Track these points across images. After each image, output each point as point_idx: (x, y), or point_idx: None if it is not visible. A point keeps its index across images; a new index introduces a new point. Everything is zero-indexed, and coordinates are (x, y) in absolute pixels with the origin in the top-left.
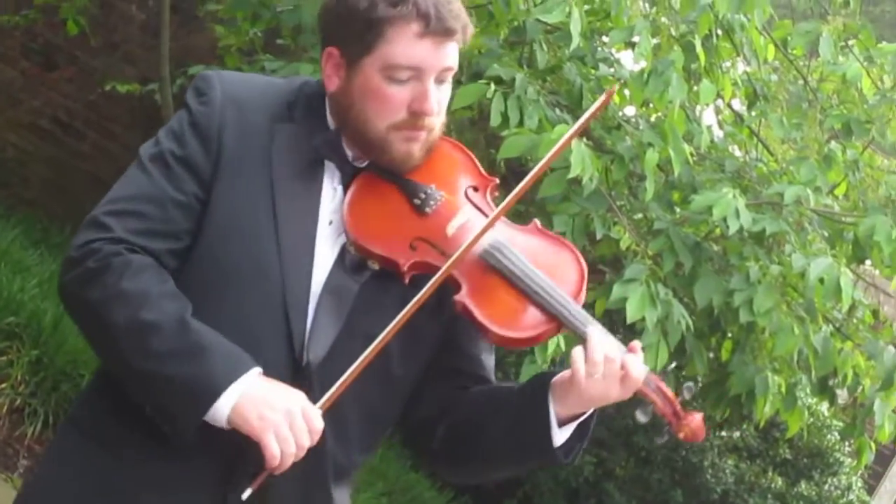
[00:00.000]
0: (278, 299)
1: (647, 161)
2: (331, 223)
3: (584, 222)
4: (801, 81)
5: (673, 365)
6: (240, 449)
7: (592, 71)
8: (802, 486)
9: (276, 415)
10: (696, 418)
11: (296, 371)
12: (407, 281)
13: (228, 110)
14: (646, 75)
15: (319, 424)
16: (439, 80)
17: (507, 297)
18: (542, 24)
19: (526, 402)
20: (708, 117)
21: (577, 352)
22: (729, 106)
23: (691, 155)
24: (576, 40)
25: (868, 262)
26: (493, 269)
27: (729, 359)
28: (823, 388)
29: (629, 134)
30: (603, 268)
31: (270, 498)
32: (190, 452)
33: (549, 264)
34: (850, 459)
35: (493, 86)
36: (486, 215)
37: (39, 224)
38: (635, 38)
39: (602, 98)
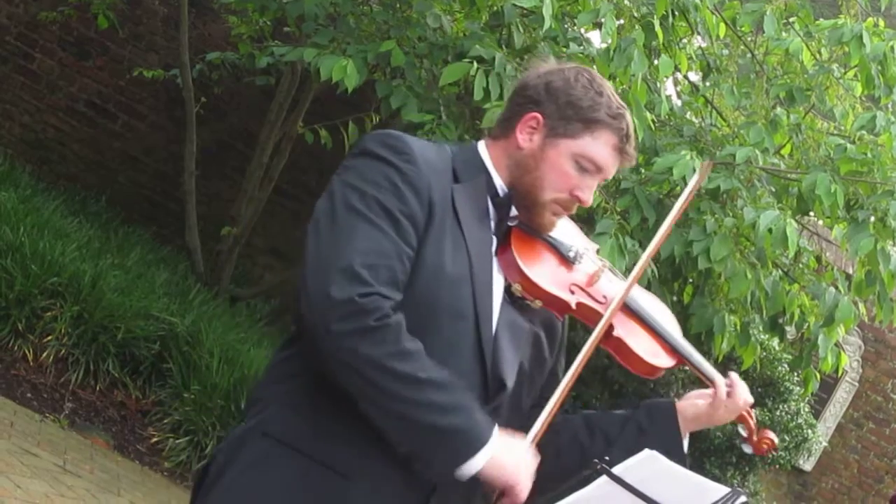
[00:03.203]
0: (473, 335)
1: None
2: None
3: None
4: (749, 55)
5: None
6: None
7: (564, 49)
8: (756, 412)
9: (522, 464)
10: (770, 433)
11: (488, 396)
12: (561, 318)
13: (430, 172)
14: (611, 52)
15: (536, 462)
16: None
17: (645, 335)
18: (518, 8)
19: (656, 424)
20: (667, 88)
21: (721, 386)
22: (686, 78)
23: (653, 122)
24: (548, 22)
25: (811, 213)
26: (634, 314)
27: (690, 302)
28: (774, 326)
29: None
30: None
31: None
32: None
33: (661, 313)
34: (798, 388)
35: (475, 64)
36: (610, 270)
37: (77, 196)
38: (601, 20)
39: (697, 176)
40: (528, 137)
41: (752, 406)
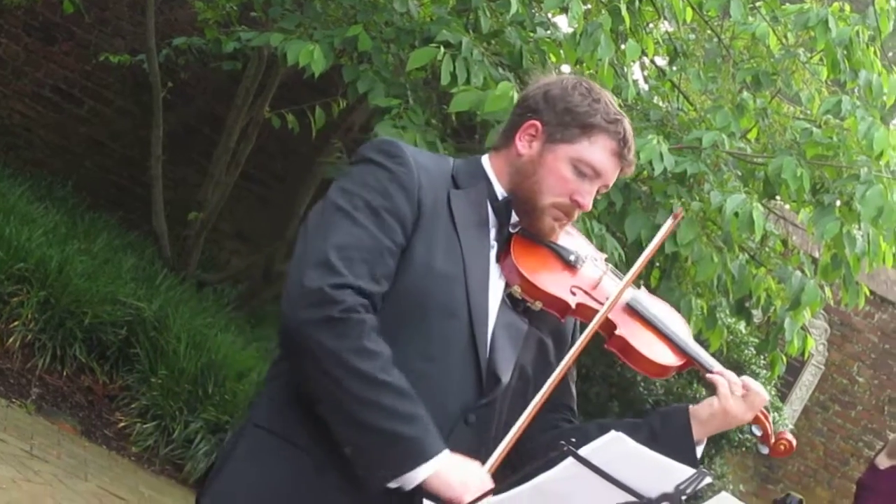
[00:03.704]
0: (466, 334)
1: None
2: (492, 271)
3: None
4: (715, 40)
5: None
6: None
7: (531, 34)
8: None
9: (472, 481)
10: (788, 434)
11: (481, 392)
12: (563, 320)
13: (422, 173)
14: (578, 37)
15: (491, 486)
16: (597, 190)
17: (650, 335)
18: None
19: (669, 429)
20: (634, 73)
21: (724, 383)
22: (652, 62)
23: (620, 106)
24: (514, 7)
25: (777, 197)
26: (638, 315)
27: (657, 285)
28: (740, 309)
29: None
30: None
31: None
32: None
33: (668, 315)
34: (765, 371)
35: (442, 49)
36: (613, 275)
37: (44, 181)
38: (568, 4)
39: (669, 223)
40: (527, 144)
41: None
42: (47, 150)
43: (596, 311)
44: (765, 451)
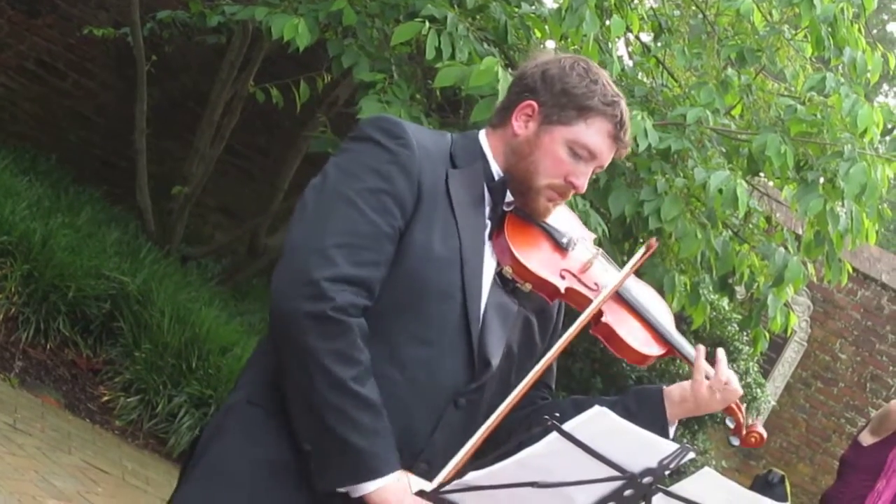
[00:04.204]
0: (461, 315)
1: None
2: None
3: None
4: (700, 16)
5: None
6: None
7: (516, 9)
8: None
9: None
10: (759, 426)
11: (472, 376)
12: (551, 303)
13: (423, 155)
14: (563, 12)
15: None
16: (592, 170)
17: (636, 323)
18: None
19: (643, 407)
20: (619, 49)
21: (700, 370)
22: (637, 38)
23: None
24: None
25: (761, 174)
26: (625, 303)
27: None
28: (723, 286)
29: None
30: None
31: None
32: None
33: (654, 303)
34: (747, 348)
35: (427, 24)
36: (603, 259)
37: (28, 154)
38: None
39: (643, 252)
40: (523, 125)
41: (741, 398)
42: (31, 123)
43: (584, 296)
44: (735, 442)
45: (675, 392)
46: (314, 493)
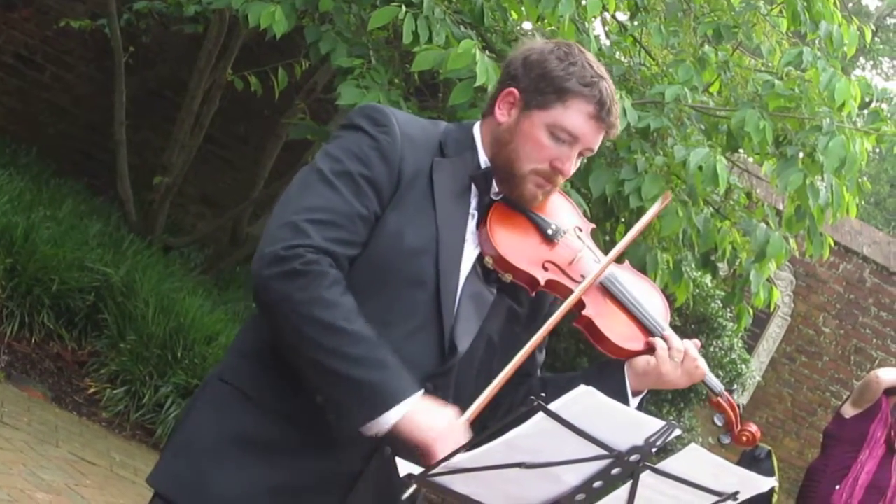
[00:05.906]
0: (432, 301)
1: None
2: (468, 240)
3: None
4: None
5: None
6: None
7: None
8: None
9: (441, 426)
10: (752, 426)
11: (442, 361)
12: (533, 294)
13: (406, 144)
14: None
15: (466, 436)
16: (580, 154)
17: (620, 316)
18: None
19: (605, 378)
20: (595, 28)
21: (662, 343)
22: (614, 17)
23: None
24: None
25: (741, 150)
26: (610, 295)
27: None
28: (706, 263)
29: None
30: None
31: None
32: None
33: (645, 296)
34: (731, 324)
35: (404, 8)
36: (592, 250)
37: (7, 148)
38: None
39: (658, 203)
40: (505, 112)
41: (730, 393)
42: (10, 116)
43: (567, 288)
44: (727, 440)
45: (639, 363)
46: (280, 469)
